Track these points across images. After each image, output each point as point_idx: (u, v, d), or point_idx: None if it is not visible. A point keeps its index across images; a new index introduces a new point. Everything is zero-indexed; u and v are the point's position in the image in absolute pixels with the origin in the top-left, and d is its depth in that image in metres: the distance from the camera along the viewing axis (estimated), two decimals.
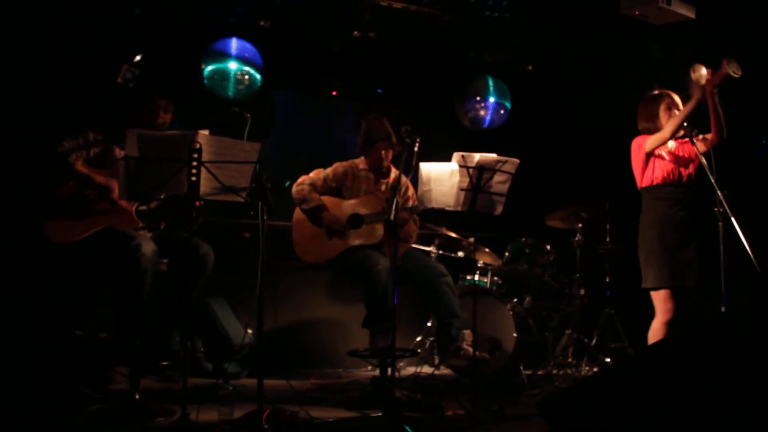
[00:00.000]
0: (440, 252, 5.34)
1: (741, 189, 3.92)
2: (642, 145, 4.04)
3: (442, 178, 3.80)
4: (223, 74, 5.11)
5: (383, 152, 4.32)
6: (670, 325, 3.88)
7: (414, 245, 4.65)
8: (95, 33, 4.83)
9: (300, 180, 4.29)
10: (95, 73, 4.83)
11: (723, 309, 3.67)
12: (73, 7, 4.66)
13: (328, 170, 4.37)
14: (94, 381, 3.78)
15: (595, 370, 4.92)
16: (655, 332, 3.92)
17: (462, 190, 3.77)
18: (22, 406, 3.27)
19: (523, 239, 5.34)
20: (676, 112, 4.00)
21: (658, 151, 4.02)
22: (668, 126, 3.92)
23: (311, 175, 4.35)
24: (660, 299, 3.93)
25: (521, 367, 4.74)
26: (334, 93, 6.12)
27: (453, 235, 5.15)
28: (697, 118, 3.96)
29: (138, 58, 4.85)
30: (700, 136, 3.90)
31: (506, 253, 5.35)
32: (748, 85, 4.13)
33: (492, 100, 6.04)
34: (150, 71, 4.87)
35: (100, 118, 3.85)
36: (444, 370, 5.06)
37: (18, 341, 3.79)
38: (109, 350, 3.90)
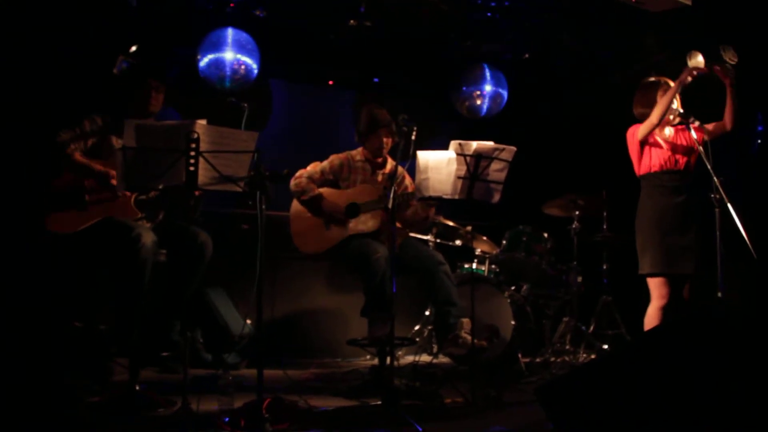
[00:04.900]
0: (438, 240, 5.34)
1: (735, 179, 3.93)
2: (636, 133, 4.05)
3: (440, 166, 3.79)
4: (219, 64, 5.10)
5: (384, 140, 4.32)
6: (666, 310, 3.91)
7: (412, 234, 4.65)
8: (92, 23, 4.82)
9: (297, 174, 4.29)
10: (92, 63, 4.82)
11: (719, 295, 3.69)
12: None
13: (325, 163, 4.37)
14: (93, 372, 3.79)
15: (593, 357, 4.94)
16: (651, 318, 3.95)
17: (459, 178, 3.76)
18: (21, 398, 3.28)
19: (521, 227, 5.34)
20: None
21: (655, 138, 4.03)
22: (655, 111, 3.94)
23: (308, 168, 4.35)
24: (656, 285, 3.95)
25: (519, 355, 4.76)
26: (330, 82, 6.12)
27: (450, 223, 5.16)
28: (696, 107, 3.97)
29: (134, 48, 4.84)
30: (696, 123, 3.91)
31: (504, 242, 5.36)
32: (744, 73, 4.13)
33: (489, 88, 6.04)
34: (146, 61, 4.85)
35: (96, 108, 3.83)
36: (442, 359, 5.09)
37: (18, 332, 3.79)
38: (109, 341, 3.91)
